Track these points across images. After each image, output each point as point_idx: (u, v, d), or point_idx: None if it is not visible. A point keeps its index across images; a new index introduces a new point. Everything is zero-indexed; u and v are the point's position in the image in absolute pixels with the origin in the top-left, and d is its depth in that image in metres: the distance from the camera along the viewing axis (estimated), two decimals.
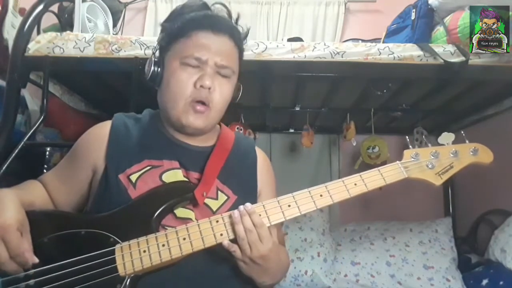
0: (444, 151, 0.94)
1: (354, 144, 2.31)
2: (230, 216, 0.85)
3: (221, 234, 0.83)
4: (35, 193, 0.95)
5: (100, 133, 0.98)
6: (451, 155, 0.94)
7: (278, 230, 1.07)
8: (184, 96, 0.91)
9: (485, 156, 0.95)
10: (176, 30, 0.95)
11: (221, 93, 0.94)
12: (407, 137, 1.04)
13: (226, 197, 0.95)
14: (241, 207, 0.84)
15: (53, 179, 1.00)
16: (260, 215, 0.85)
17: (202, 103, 0.92)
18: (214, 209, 0.93)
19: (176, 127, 0.97)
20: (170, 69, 0.94)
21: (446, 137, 0.96)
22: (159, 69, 0.96)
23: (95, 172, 0.96)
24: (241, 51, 1.01)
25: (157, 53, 1.00)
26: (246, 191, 0.99)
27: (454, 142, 0.96)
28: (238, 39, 0.98)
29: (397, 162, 0.93)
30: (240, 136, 1.13)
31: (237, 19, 1.01)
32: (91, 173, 0.97)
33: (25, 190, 0.93)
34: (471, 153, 0.94)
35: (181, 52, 0.93)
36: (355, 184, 0.89)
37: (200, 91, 0.91)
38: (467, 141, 0.96)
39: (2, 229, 0.76)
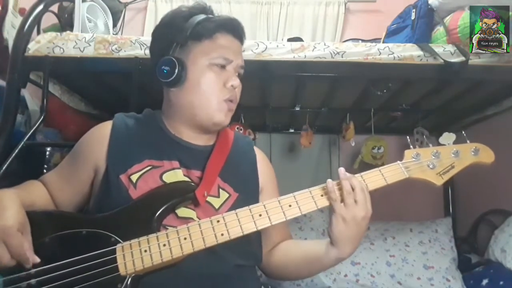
0: (445, 151, 0.94)
1: (353, 144, 2.31)
2: (232, 215, 0.84)
3: (222, 234, 0.83)
4: (36, 193, 0.95)
5: (101, 133, 0.98)
6: (452, 155, 0.94)
7: (288, 228, 1.08)
8: (217, 95, 0.96)
9: (486, 156, 0.95)
10: (199, 30, 0.97)
11: (239, 90, 1.02)
12: (408, 137, 1.04)
13: (227, 195, 0.96)
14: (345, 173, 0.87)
15: (54, 179, 1.01)
16: (260, 215, 0.85)
17: (232, 102, 0.99)
18: (217, 207, 0.93)
19: (199, 124, 0.98)
20: (197, 69, 0.96)
21: (447, 137, 0.96)
22: (183, 68, 0.95)
23: (97, 172, 0.96)
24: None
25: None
26: (248, 188, 1.00)
27: (455, 142, 0.96)
28: (243, 41, 1.05)
29: (398, 162, 0.93)
30: (239, 135, 1.14)
31: None
32: (92, 173, 0.97)
33: (26, 190, 0.93)
34: (472, 153, 0.94)
35: (209, 53, 0.96)
36: None
37: (230, 90, 0.97)
38: (468, 141, 0.96)
39: (3, 230, 0.77)
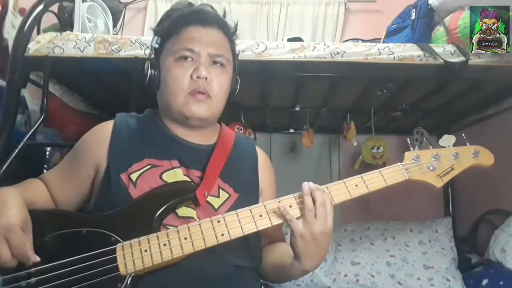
0: (445, 153, 0.94)
1: (355, 144, 2.31)
2: (232, 215, 0.84)
3: (222, 234, 0.82)
4: (36, 192, 0.95)
5: (103, 132, 0.99)
6: (452, 157, 0.94)
7: (280, 231, 1.07)
8: (182, 89, 0.94)
9: (486, 158, 0.95)
10: (166, 30, 0.98)
11: (219, 83, 0.97)
12: (407, 139, 1.04)
13: (227, 195, 0.96)
14: (311, 184, 0.85)
15: (54, 178, 1.00)
16: (261, 215, 0.85)
17: (201, 93, 0.94)
18: (216, 207, 0.93)
19: (180, 122, 0.99)
20: (165, 67, 0.97)
21: (447, 139, 0.96)
22: (156, 71, 0.98)
23: (97, 171, 0.96)
24: (232, 42, 1.04)
25: (152, 57, 1.03)
26: (248, 189, 1.00)
27: (455, 144, 0.96)
28: (226, 29, 1.02)
29: (398, 163, 0.93)
30: (240, 135, 1.14)
31: (223, 15, 1.05)
32: (93, 172, 0.97)
33: (26, 188, 0.93)
34: (472, 155, 0.94)
35: (173, 48, 0.96)
36: (356, 186, 0.89)
37: (197, 82, 0.93)
38: (468, 144, 0.96)
39: (6, 228, 0.76)
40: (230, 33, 1.03)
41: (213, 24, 0.99)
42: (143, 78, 0.99)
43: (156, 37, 1.01)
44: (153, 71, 0.98)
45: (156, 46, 1.01)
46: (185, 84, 0.94)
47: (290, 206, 0.86)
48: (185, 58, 0.95)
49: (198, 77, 0.93)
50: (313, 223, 0.81)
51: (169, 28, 0.98)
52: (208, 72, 0.94)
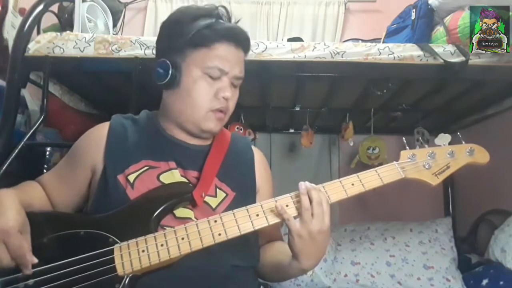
0: (441, 151, 0.95)
1: (352, 144, 2.31)
2: (229, 215, 0.84)
3: (219, 234, 0.83)
4: (33, 194, 0.96)
5: (98, 134, 0.99)
6: (448, 155, 0.94)
7: (279, 230, 1.07)
8: (205, 105, 0.95)
9: (481, 156, 0.95)
10: (198, 38, 0.94)
11: (233, 100, 1.00)
12: (403, 138, 1.05)
13: (224, 194, 0.96)
14: (308, 183, 0.86)
15: (51, 180, 1.01)
16: (257, 215, 0.85)
17: (222, 112, 0.97)
18: (213, 206, 0.93)
19: (188, 130, 0.98)
20: (191, 77, 0.95)
21: (443, 138, 0.97)
22: (177, 72, 0.95)
23: (94, 173, 0.96)
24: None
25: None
26: (245, 188, 1.00)
27: (451, 143, 0.96)
28: (248, 50, 1.02)
29: (394, 162, 0.94)
30: (236, 135, 1.14)
31: (237, 23, 1.03)
32: (90, 174, 0.97)
33: (23, 191, 0.93)
34: (467, 153, 0.95)
35: (204, 62, 0.94)
36: (353, 184, 0.89)
37: (220, 101, 0.95)
38: (463, 142, 0.96)
39: (4, 231, 0.77)
40: (248, 51, 1.03)
41: (244, 45, 0.99)
42: (161, 75, 0.95)
43: (177, 38, 0.95)
44: (174, 72, 0.95)
45: (177, 47, 0.96)
46: (209, 101, 0.95)
47: (287, 206, 0.86)
48: (215, 76, 0.95)
49: (224, 97, 0.95)
50: (310, 222, 0.82)
51: (202, 37, 0.93)
52: (231, 92, 0.97)
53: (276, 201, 0.87)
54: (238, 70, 0.97)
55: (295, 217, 0.84)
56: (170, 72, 0.94)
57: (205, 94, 0.95)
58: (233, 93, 0.98)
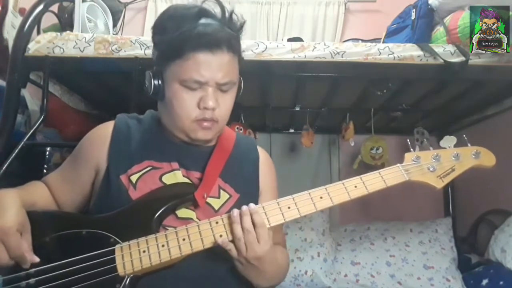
0: (446, 154, 0.94)
1: (352, 144, 2.31)
2: (229, 216, 0.85)
3: (221, 235, 0.83)
4: (37, 193, 0.95)
5: (103, 133, 0.98)
6: (453, 158, 0.93)
7: (279, 232, 1.07)
8: (189, 117, 0.90)
9: (487, 159, 0.94)
10: (170, 51, 0.89)
11: (224, 106, 0.93)
12: (408, 139, 1.03)
13: (228, 196, 0.95)
14: (244, 206, 0.84)
15: (56, 180, 1.01)
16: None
17: (208, 120, 0.91)
18: (216, 208, 0.93)
19: (181, 138, 0.96)
20: (171, 89, 0.90)
21: (448, 140, 0.95)
22: (159, 82, 0.92)
23: (98, 172, 0.96)
24: (240, 56, 0.96)
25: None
26: (248, 190, 0.99)
27: (456, 145, 0.96)
28: (236, 47, 0.94)
29: (398, 164, 0.93)
30: (241, 135, 1.13)
31: (231, 14, 0.95)
32: (93, 173, 0.97)
33: (28, 191, 0.93)
34: (473, 156, 0.94)
35: (180, 75, 0.88)
36: (355, 187, 0.89)
37: (204, 111, 0.90)
38: (469, 144, 0.95)
39: (2, 231, 0.77)
40: (239, 48, 0.95)
41: (223, 46, 0.88)
42: (147, 88, 0.93)
43: (156, 51, 0.93)
44: (157, 82, 0.92)
45: (158, 59, 0.94)
46: (191, 112, 0.90)
47: (288, 208, 0.86)
48: (193, 88, 0.89)
49: (205, 108, 0.89)
50: (245, 251, 0.82)
51: (174, 49, 0.88)
52: (214, 101, 0.89)
53: (278, 203, 0.87)
54: (220, 76, 0.88)
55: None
56: (153, 84, 0.92)
57: (186, 106, 0.89)
58: (222, 99, 0.91)
